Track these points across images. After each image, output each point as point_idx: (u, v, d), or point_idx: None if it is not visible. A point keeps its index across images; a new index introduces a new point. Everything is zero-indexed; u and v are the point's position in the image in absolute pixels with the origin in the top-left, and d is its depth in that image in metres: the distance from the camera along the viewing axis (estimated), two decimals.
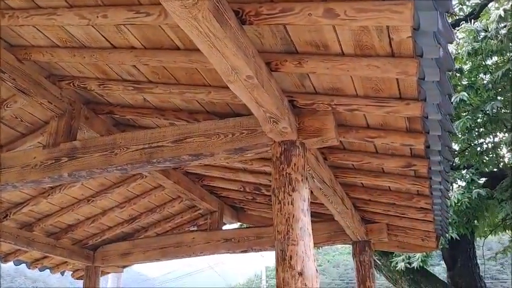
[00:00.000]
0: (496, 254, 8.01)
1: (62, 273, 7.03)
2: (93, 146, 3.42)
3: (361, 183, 4.12)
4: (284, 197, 2.70)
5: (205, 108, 3.54)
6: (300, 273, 2.49)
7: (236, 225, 7.03)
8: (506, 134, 6.58)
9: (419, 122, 2.85)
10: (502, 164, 7.62)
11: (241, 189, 5.38)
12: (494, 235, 7.89)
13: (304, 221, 2.64)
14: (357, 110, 2.69)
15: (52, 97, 3.57)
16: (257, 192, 5.34)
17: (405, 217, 4.73)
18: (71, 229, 5.88)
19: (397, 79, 2.45)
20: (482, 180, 7.35)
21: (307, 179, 2.81)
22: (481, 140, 7.21)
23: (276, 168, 2.81)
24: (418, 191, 3.94)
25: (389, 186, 4.07)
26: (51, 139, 3.62)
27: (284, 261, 2.54)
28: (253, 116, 2.80)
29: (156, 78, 3.25)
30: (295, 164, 2.78)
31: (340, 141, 3.33)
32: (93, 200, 5.36)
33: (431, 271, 7.69)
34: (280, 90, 2.70)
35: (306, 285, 2.47)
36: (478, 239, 7.93)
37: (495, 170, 7.51)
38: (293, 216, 2.63)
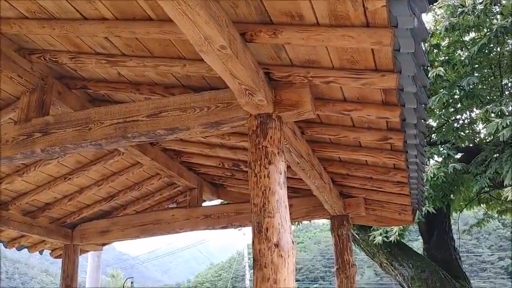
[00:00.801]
0: (471, 226, 8.22)
1: (41, 252, 6.96)
2: (67, 121, 3.35)
3: (339, 157, 4.14)
4: (260, 170, 2.69)
5: (181, 82, 3.48)
6: (276, 245, 2.50)
7: (216, 202, 7.03)
8: (482, 110, 6.68)
9: (395, 95, 2.86)
10: (477, 139, 7.76)
11: (220, 166, 5.37)
12: (470, 209, 8.10)
13: (281, 193, 2.65)
14: (333, 82, 2.68)
15: (22, 71, 3.46)
16: (236, 169, 5.33)
17: (382, 191, 4.79)
18: (48, 207, 5.80)
19: (372, 50, 2.44)
20: (459, 155, 7.49)
21: (283, 152, 2.80)
22: (458, 116, 7.32)
23: (252, 141, 2.79)
24: (394, 164, 3.99)
25: (366, 160, 4.10)
26: (22, 115, 3.53)
27: (260, 233, 2.55)
28: (229, 90, 2.76)
29: (130, 51, 3.17)
30: (271, 137, 2.77)
31: (317, 115, 3.33)
32: (69, 178, 5.28)
33: (410, 246, 7.87)
34: (255, 62, 2.67)
35: (281, 256, 2.49)
36: (453, 213, 8.12)
37: (471, 145, 7.65)
38: (269, 189, 2.63)
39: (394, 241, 6.66)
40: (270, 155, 2.72)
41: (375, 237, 7.00)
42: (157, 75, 3.46)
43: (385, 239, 6.85)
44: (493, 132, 5.54)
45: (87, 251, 7.22)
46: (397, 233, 6.62)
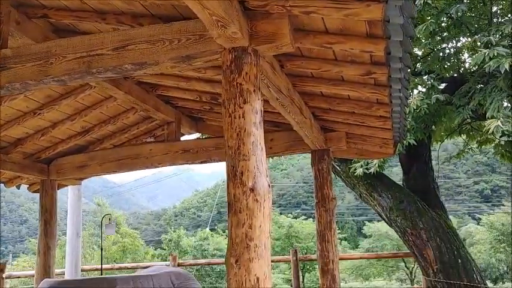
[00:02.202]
0: (451, 157, 8.30)
1: (18, 187, 6.85)
2: (26, 55, 3.07)
3: (320, 91, 3.97)
4: (235, 109, 2.52)
5: (150, 11, 3.19)
6: (252, 189, 2.39)
7: (196, 135, 6.90)
8: (469, 39, 6.47)
9: (380, 27, 2.64)
10: (462, 69, 7.60)
11: (197, 99, 5.16)
12: (450, 139, 8.13)
13: (257, 135, 2.50)
14: (314, 12, 2.44)
15: None
16: (214, 102, 5.14)
17: (364, 125, 4.69)
18: (20, 143, 5.60)
19: None
20: (443, 85, 7.36)
21: (259, 89, 2.62)
22: (444, 45, 7.09)
23: (226, 78, 2.59)
24: (377, 99, 3.84)
25: (348, 95, 3.94)
26: None
27: (235, 177, 2.43)
28: (200, 20, 2.50)
29: None
30: (246, 73, 2.57)
31: (298, 47, 3.11)
32: (39, 113, 5.04)
33: (389, 171, 7.95)
34: None
35: (257, 200, 2.39)
36: (434, 143, 8.15)
37: (455, 75, 7.51)
38: (244, 130, 2.48)
39: (374, 173, 6.69)
40: (246, 93, 2.53)
41: (355, 169, 7.01)
42: (124, 3, 3.15)
43: (366, 171, 6.88)
44: (479, 62, 5.37)
45: (66, 185, 7.13)
46: (377, 165, 6.63)
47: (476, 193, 41.40)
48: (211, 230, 28.61)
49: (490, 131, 5.40)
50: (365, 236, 28.59)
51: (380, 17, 2.33)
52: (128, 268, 9.06)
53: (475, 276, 6.22)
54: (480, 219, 30.71)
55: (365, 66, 3.20)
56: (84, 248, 18.97)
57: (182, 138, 6.13)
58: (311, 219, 29.64)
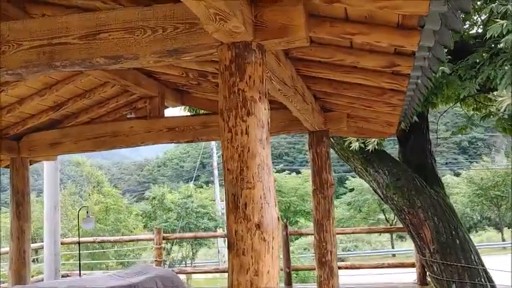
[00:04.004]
0: (452, 133, 7.92)
1: None
2: None
3: (328, 78, 3.44)
4: (236, 123, 2.01)
5: None
6: (258, 225, 1.94)
7: (180, 108, 6.35)
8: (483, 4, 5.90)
9: (417, 17, 2.11)
10: (464, 35, 7.07)
11: (183, 75, 4.58)
12: (452, 109, 7.72)
13: (263, 155, 2.01)
14: (338, 1, 1.90)
15: None
16: (202, 79, 4.57)
17: (370, 109, 4.21)
18: None
19: None
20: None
21: (266, 96, 2.10)
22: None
23: (224, 82, 2.07)
24: (393, 88, 3.34)
25: (360, 83, 3.43)
26: None
27: (237, 209, 1.96)
28: None
29: None
30: (250, 77, 2.05)
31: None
32: (2, 90, 4.42)
33: (389, 144, 7.55)
34: None
35: (264, 239, 1.94)
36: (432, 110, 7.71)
37: (456, 40, 6.97)
38: (248, 150, 1.99)
39: (371, 150, 6.29)
40: (249, 103, 2.02)
41: (351, 142, 6.59)
42: None
43: (362, 146, 6.46)
44: (496, 35, 4.86)
45: (39, 161, 6.57)
46: (375, 142, 6.22)
47: (454, 144, 41.83)
48: (194, 184, 28.39)
49: (502, 110, 4.98)
50: (349, 190, 28.81)
51: (426, 11, 1.80)
52: (110, 241, 8.70)
53: (472, 258, 6.01)
54: (460, 174, 31.20)
55: (387, 56, 2.68)
56: (66, 207, 18.57)
57: (166, 112, 5.59)
58: (294, 173, 29.67)
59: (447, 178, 28.53)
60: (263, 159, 2.00)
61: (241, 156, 1.98)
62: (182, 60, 2.29)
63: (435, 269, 6.14)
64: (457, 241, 6.10)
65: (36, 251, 10.46)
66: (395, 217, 14.75)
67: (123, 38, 2.22)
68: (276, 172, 27.31)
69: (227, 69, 2.06)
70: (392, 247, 26.21)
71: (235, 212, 1.96)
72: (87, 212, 6.77)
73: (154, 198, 20.63)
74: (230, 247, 1.97)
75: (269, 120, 2.09)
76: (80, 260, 6.79)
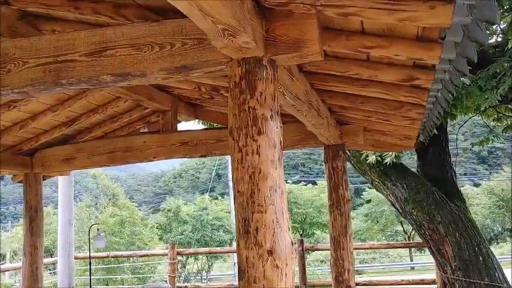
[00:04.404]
0: (472, 145, 7.71)
1: (1, 178, 6.30)
2: None
3: (344, 92, 3.33)
4: (246, 142, 1.91)
5: (135, 0, 2.51)
6: (270, 252, 1.82)
7: (193, 122, 6.28)
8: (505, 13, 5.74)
9: (438, 29, 1.99)
10: (484, 46, 6.89)
11: (196, 89, 4.51)
12: (470, 118, 7.53)
13: (275, 176, 1.90)
14: (355, 14, 1.79)
15: None
16: (215, 93, 4.49)
17: (388, 123, 4.07)
18: None
19: None
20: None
21: (278, 113, 2.00)
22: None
23: (234, 99, 1.97)
24: (411, 102, 3.21)
25: (377, 96, 3.31)
26: None
27: (247, 234, 1.85)
28: None
29: None
30: (261, 94, 1.95)
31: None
32: (15, 106, 4.40)
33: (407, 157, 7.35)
34: None
35: (277, 266, 1.82)
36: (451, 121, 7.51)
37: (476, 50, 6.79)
38: (259, 172, 1.88)
39: (389, 163, 6.12)
40: (261, 121, 1.92)
41: (367, 155, 6.43)
42: None
43: (379, 159, 6.30)
44: None
45: (53, 176, 6.56)
46: (393, 155, 6.05)
47: (473, 154, 41.11)
48: (210, 196, 28.32)
49: None
50: (366, 201, 28.43)
51: (449, 23, 1.68)
52: (124, 257, 8.65)
53: (496, 275, 5.77)
54: (479, 184, 30.56)
55: (405, 69, 2.56)
56: (82, 219, 18.65)
57: (179, 126, 5.53)
58: (310, 184, 29.43)
59: (467, 189, 27.98)
60: (275, 180, 1.89)
61: (252, 178, 1.88)
62: (191, 77, 2.20)
63: (457, 287, 5.91)
64: (480, 258, 5.87)
65: (53, 264, 10.47)
66: (413, 229, 14.44)
67: (130, 54, 2.15)
68: (291, 183, 27.13)
69: (237, 86, 1.96)
70: (411, 260, 25.71)
71: (246, 237, 1.85)
72: (98, 230, 6.70)
73: (169, 210, 20.59)
74: (241, 274, 1.86)
75: (281, 140, 1.98)
76: (90, 276, 6.72)
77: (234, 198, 1.93)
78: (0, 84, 2.33)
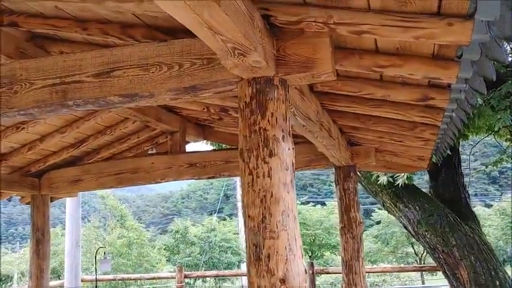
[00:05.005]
0: (486, 166, 7.57)
1: (9, 200, 6.26)
2: None
3: (355, 112, 3.26)
4: (257, 165, 1.84)
5: (143, 20, 2.48)
6: (283, 280, 1.73)
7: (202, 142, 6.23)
8: None
9: (455, 47, 1.93)
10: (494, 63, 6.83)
11: (204, 110, 4.47)
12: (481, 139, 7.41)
13: (288, 200, 1.82)
14: (368, 32, 1.74)
15: None
16: (224, 113, 4.45)
17: (400, 144, 3.98)
18: (5, 158, 4.95)
19: None
20: None
21: (290, 134, 1.93)
22: None
23: (245, 120, 1.91)
24: (426, 123, 3.13)
25: (389, 117, 3.23)
26: None
27: (259, 261, 1.76)
28: None
29: None
30: (272, 114, 1.88)
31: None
32: (23, 128, 4.38)
33: (419, 178, 7.23)
34: (248, 2, 1.69)
35: None
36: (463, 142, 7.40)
37: None
38: (271, 195, 1.80)
39: (401, 184, 6.01)
40: (272, 142, 1.85)
41: (378, 176, 6.32)
42: (110, 11, 2.45)
43: (391, 180, 6.19)
44: None
45: (60, 198, 6.51)
46: (405, 176, 5.94)
47: (483, 175, 40.55)
48: (218, 217, 28.13)
49: None
50: (376, 223, 28.01)
51: (468, 40, 1.62)
52: (131, 279, 8.52)
53: None
54: (491, 205, 30.07)
55: (420, 89, 2.49)
56: (90, 241, 18.54)
57: (188, 146, 5.47)
58: (319, 205, 29.14)
59: (478, 209, 27.51)
60: (288, 204, 1.81)
61: (264, 202, 1.80)
62: (200, 97, 2.15)
63: None
64: (497, 282, 5.69)
65: (60, 286, 10.34)
66: (425, 251, 14.14)
67: (138, 75, 2.10)
68: (300, 204, 26.89)
69: (247, 106, 1.90)
70: (423, 283, 25.15)
71: (257, 265, 1.77)
72: (104, 253, 6.62)
73: (177, 231, 20.42)
74: None
75: (293, 162, 1.91)
76: None
77: (244, 223, 1.85)
78: (6, 106, 2.29)
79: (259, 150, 1.85)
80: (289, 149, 1.89)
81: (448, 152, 5.51)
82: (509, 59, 6.93)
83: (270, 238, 1.76)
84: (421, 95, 2.49)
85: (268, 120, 1.87)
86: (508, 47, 6.85)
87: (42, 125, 4.58)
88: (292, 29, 1.90)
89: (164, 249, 20.50)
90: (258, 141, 1.86)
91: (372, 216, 29.41)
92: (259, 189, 1.82)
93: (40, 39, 3.21)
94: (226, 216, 32.97)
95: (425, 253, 18.66)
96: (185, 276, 7.54)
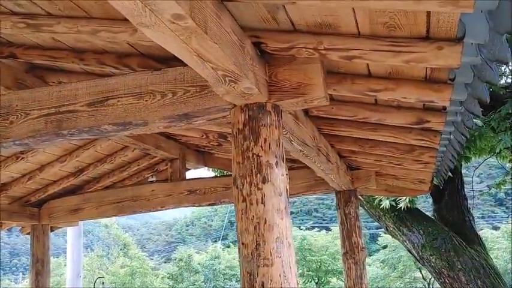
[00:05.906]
0: (490, 188, 7.51)
1: (9, 230, 6.22)
2: None
3: (352, 136, 3.26)
4: (251, 191, 1.82)
5: (138, 50, 2.51)
6: None
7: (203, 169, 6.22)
8: None
9: (447, 70, 1.93)
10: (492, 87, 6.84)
11: (203, 137, 4.48)
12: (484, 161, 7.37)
13: (282, 227, 1.80)
14: (358, 57, 1.75)
15: None
16: (223, 140, 4.45)
17: (399, 167, 3.96)
18: (5, 188, 4.95)
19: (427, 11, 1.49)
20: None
21: (284, 160, 1.92)
22: None
23: (238, 146, 1.90)
24: (423, 145, 3.12)
25: (386, 140, 3.22)
26: None
27: None
28: None
29: (57, 10, 2.18)
30: (265, 140, 1.88)
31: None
32: (23, 157, 4.39)
33: (422, 201, 7.17)
34: (239, 31, 1.71)
35: None
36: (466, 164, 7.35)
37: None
38: (265, 222, 1.78)
39: (404, 208, 5.95)
40: (265, 168, 1.84)
41: (381, 200, 6.27)
42: (106, 42, 2.48)
43: (393, 204, 6.13)
44: None
45: (61, 227, 6.47)
46: (407, 199, 5.89)
47: (489, 197, 40.22)
48: (222, 244, 27.91)
49: None
50: (382, 247, 27.65)
51: (458, 63, 1.62)
52: None
53: None
54: (499, 227, 29.68)
55: (415, 112, 2.49)
56: (93, 270, 18.34)
57: (188, 173, 5.46)
58: (324, 230, 28.87)
59: (485, 232, 27.17)
60: (282, 231, 1.79)
61: (257, 229, 1.78)
62: (194, 125, 2.15)
63: None
64: None
65: None
66: (433, 277, 13.91)
67: (132, 103, 2.11)
68: (305, 229, 26.65)
69: (240, 133, 1.90)
70: None
71: None
72: (102, 283, 6.53)
73: (180, 260, 20.23)
74: None
75: (287, 188, 1.89)
76: None
77: (239, 251, 1.82)
78: (2, 136, 2.30)
79: (252, 177, 1.83)
80: (282, 175, 1.88)
81: (450, 174, 5.48)
82: (509, 80, 6.98)
83: (264, 266, 1.73)
84: (416, 118, 2.49)
85: (261, 146, 1.86)
86: (507, 69, 6.89)
87: (42, 154, 4.59)
88: (283, 56, 1.92)
89: (168, 278, 20.26)
90: (251, 168, 1.85)
91: (378, 240, 29.06)
92: (253, 216, 1.80)
93: (39, 70, 3.25)
94: (231, 243, 32.71)
95: (432, 279, 18.36)
96: None
